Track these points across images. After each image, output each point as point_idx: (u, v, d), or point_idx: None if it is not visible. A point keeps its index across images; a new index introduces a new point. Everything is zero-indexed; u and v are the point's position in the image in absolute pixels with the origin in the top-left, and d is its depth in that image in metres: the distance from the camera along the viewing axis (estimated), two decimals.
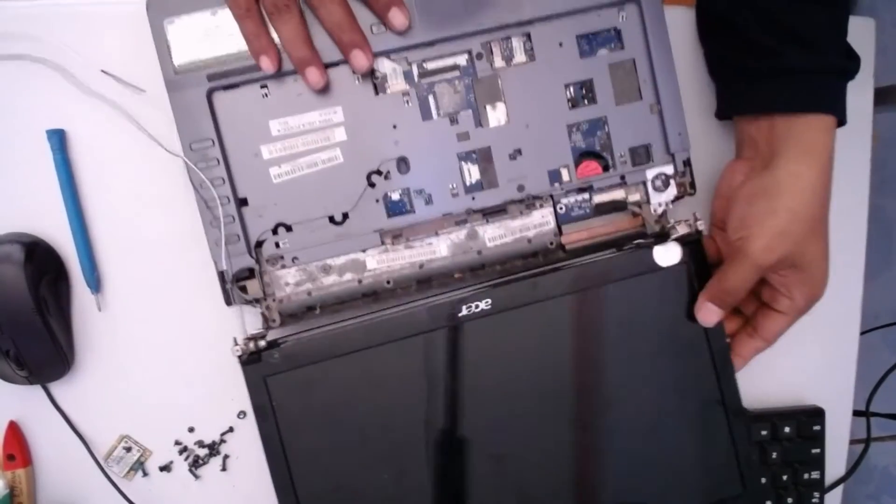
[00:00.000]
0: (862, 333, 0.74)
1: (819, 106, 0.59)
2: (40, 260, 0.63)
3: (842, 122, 0.60)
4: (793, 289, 0.62)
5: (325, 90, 0.60)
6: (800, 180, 0.59)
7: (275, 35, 0.58)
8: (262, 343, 0.59)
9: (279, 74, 0.59)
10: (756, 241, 0.59)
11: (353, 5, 0.58)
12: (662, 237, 0.63)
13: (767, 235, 0.59)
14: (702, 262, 0.62)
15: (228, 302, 0.61)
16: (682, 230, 0.62)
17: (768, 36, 0.59)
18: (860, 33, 0.66)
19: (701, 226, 0.62)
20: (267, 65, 0.58)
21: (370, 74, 0.60)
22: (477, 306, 0.60)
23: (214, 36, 0.58)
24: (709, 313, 0.62)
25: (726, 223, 0.62)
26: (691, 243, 0.62)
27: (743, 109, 0.64)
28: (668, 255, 0.62)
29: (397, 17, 0.58)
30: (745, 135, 0.64)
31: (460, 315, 0.60)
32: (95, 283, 0.65)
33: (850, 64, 0.61)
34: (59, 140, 0.63)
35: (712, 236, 0.66)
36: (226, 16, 0.57)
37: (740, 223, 0.60)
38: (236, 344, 0.59)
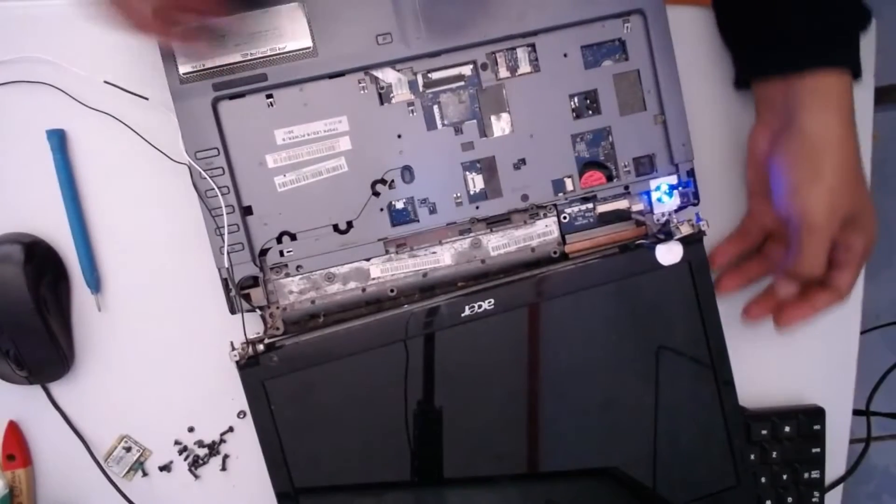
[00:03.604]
0: (862, 333, 0.75)
1: (827, 61, 0.59)
2: (40, 260, 0.63)
3: (856, 74, 0.60)
4: (851, 241, 0.62)
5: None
6: (829, 132, 0.59)
7: None
8: (261, 347, 0.59)
9: (285, 84, 0.59)
10: (816, 209, 0.59)
11: (357, 13, 0.58)
12: (665, 236, 0.63)
13: (825, 199, 0.59)
14: (703, 261, 0.63)
15: (233, 310, 0.61)
16: (685, 230, 0.62)
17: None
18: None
19: (703, 226, 0.62)
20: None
21: (375, 84, 0.60)
22: (480, 306, 0.60)
23: (220, 45, 0.57)
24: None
25: (769, 192, 0.63)
26: (693, 243, 0.62)
27: (757, 73, 0.64)
28: (669, 253, 0.62)
29: None
30: (764, 98, 0.64)
31: (463, 315, 0.60)
32: (95, 283, 0.65)
33: (858, 16, 0.61)
34: (58, 140, 0.62)
35: (752, 210, 0.67)
36: (231, 26, 0.57)
37: (791, 194, 0.60)
38: (234, 348, 0.58)
